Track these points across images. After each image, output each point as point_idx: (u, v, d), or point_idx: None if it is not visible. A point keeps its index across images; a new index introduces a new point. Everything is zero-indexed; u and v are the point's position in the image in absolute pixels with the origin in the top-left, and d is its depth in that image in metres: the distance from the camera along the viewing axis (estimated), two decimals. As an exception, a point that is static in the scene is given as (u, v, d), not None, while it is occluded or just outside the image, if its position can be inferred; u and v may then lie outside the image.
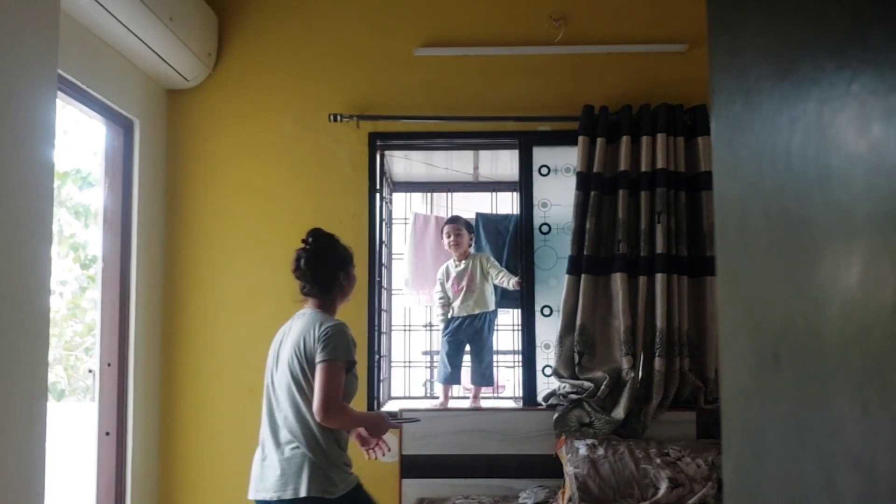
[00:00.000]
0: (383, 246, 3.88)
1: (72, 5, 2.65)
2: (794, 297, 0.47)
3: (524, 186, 3.61)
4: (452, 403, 3.78)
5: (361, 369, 3.48)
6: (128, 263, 3.26)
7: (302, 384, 2.30)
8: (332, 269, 2.46)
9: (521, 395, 3.62)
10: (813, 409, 0.44)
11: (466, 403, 3.76)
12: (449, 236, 3.77)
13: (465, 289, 3.72)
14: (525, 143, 3.61)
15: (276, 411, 2.34)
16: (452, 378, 3.78)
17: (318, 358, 2.26)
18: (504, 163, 4.49)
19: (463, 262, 3.77)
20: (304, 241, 2.48)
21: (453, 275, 3.77)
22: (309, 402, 2.27)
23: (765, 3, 0.53)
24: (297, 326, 2.38)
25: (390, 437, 2.71)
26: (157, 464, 3.47)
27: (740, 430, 0.55)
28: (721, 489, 2.70)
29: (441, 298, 3.81)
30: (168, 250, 3.57)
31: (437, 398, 3.97)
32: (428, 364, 5.28)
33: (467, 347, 3.80)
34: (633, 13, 3.62)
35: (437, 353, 4.28)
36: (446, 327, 3.78)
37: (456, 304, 3.74)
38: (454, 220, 3.86)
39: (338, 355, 2.26)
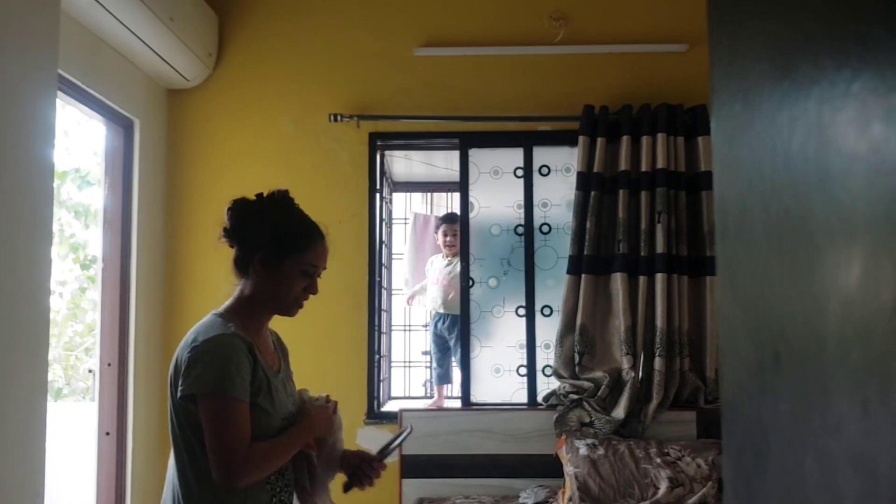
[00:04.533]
0: (383, 246, 3.88)
1: (72, 5, 2.65)
2: (794, 296, 0.47)
3: (524, 186, 3.61)
4: (450, 403, 3.79)
5: (360, 369, 3.48)
6: (128, 263, 3.25)
7: (174, 427, 1.53)
8: (249, 243, 1.58)
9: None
10: (813, 409, 0.44)
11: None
12: (446, 235, 3.79)
13: (447, 285, 3.76)
14: (525, 143, 3.61)
15: None
16: (444, 378, 3.82)
17: (182, 391, 1.47)
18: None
19: (453, 259, 3.80)
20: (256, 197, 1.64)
21: (439, 268, 3.80)
22: (180, 455, 1.52)
23: (765, 3, 0.53)
24: None
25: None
26: (157, 464, 3.46)
27: (740, 430, 0.55)
28: (721, 489, 2.70)
29: (420, 287, 3.88)
30: (168, 250, 3.57)
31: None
32: (428, 364, 5.27)
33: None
34: (633, 13, 3.62)
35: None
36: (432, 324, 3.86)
37: (432, 296, 3.79)
38: (453, 220, 3.85)
39: (213, 386, 1.44)
